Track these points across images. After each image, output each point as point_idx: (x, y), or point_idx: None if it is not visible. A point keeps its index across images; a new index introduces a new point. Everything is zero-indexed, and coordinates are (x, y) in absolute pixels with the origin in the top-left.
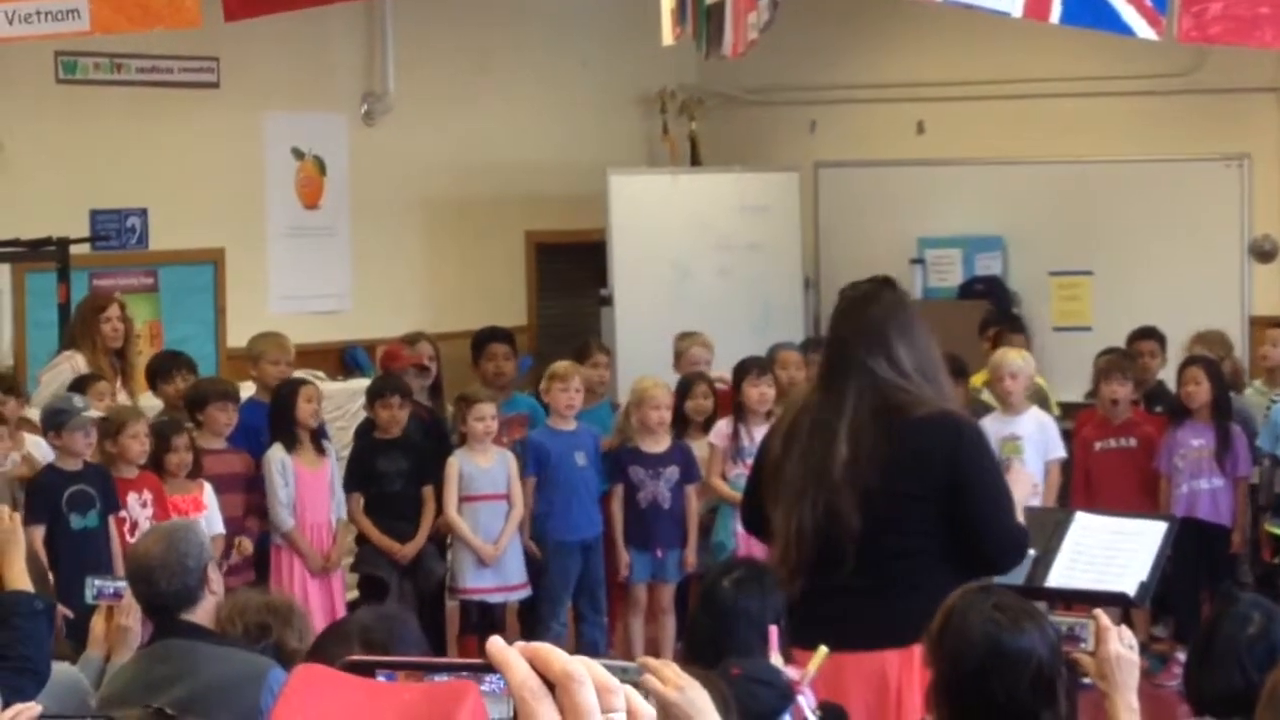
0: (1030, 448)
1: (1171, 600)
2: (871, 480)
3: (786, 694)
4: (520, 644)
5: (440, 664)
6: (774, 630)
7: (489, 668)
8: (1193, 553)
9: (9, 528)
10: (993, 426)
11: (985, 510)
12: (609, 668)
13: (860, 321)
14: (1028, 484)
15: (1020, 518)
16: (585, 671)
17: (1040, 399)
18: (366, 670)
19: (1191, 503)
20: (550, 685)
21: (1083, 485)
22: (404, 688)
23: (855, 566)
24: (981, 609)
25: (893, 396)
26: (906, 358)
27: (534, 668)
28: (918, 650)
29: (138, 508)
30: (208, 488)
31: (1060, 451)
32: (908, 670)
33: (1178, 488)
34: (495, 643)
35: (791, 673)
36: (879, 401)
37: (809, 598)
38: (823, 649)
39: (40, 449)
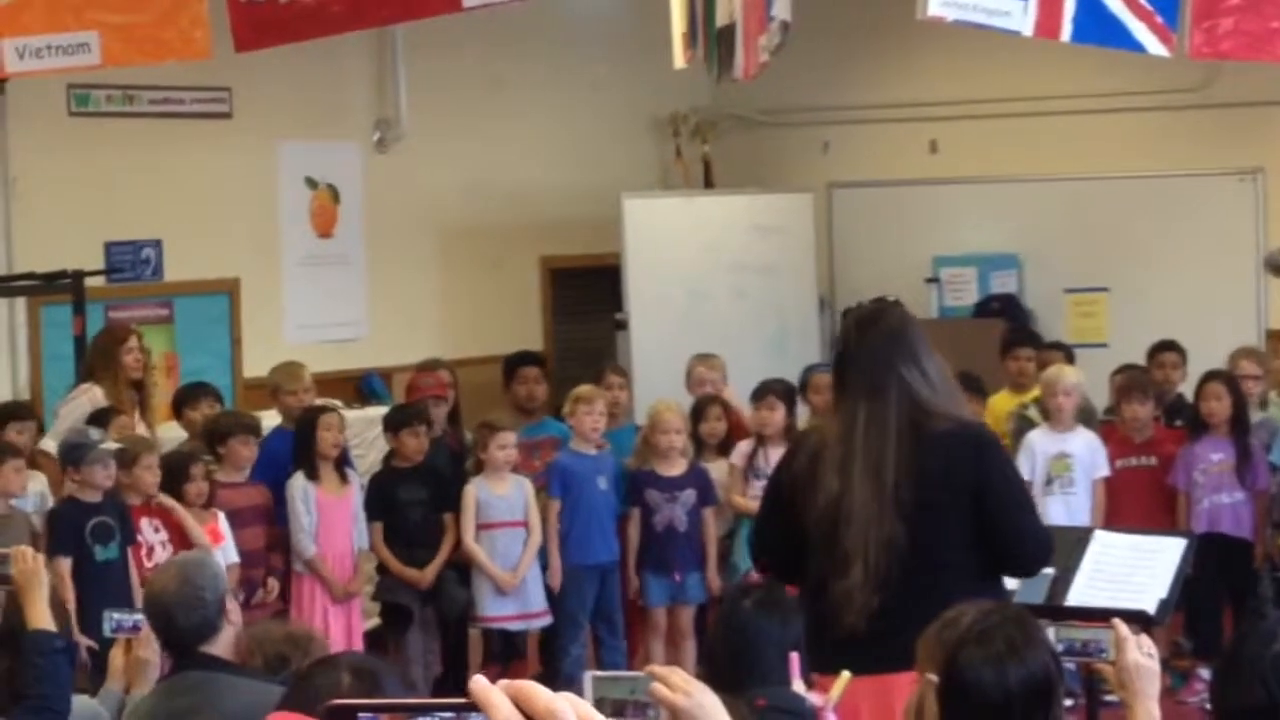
0: (1079, 467)
1: (1195, 615)
2: (907, 494)
3: None
4: (504, 682)
5: (424, 705)
6: (795, 657)
7: (473, 707)
8: (1215, 567)
9: (31, 567)
10: (1043, 443)
11: (1012, 514)
12: (618, 680)
13: (889, 335)
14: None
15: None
16: (569, 708)
17: (1087, 415)
18: (349, 715)
19: (1214, 517)
20: None
21: (1104, 502)
22: None
23: (898, 584)
24: (982, 653)
25: (922, 408)
26: (931, 370)
27: (518, 706)
28: None
29: (151, 533)
30: (222, 518)
31: (1105, 470)
32: None
33: (1199, 503)
34: (478, 681)
35: (815, 699)
36: (915, 414)
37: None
38: (845, 674)
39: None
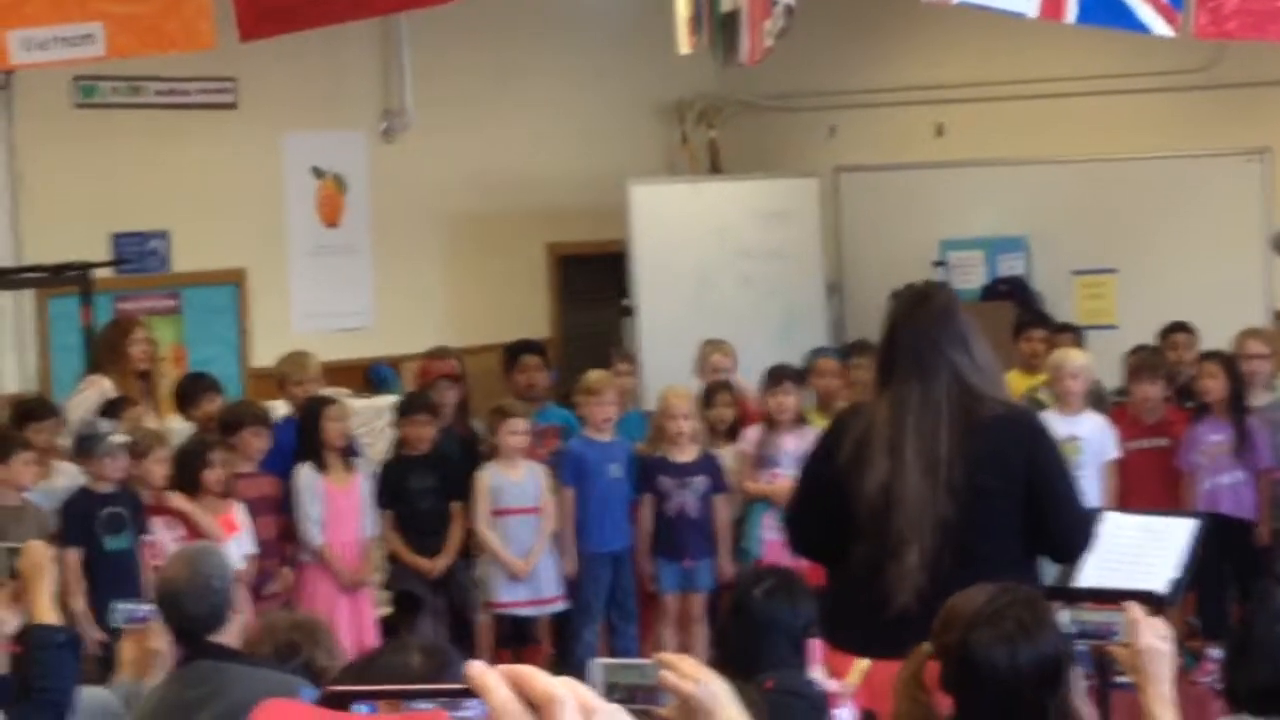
0: (1088, 450)
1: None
2: (959, 478)
3: (819, 705)
4: (502, 666)
5: (421, 691)
6: (816, 643)
7: (470, 692)
8: (1216, 548)
9: (36, 561)
10: (1052, 425)
11: (1063, 503)
12: (627, 667)
13: (938, 316)
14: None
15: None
16: (568, 693)
17: (1097, 397)
18: (342, 702)
19: (1214, 498)
20: (534, 707)
21: (1115, 485)
22: None
23: (947, 567)
24: (993, 633)
25: (971, 391)
26: (978, 353)
27: (516, 690)
28: None
29: (165, 530)
30: (240, 508)
31: (1115, 452)
32: None
33: (1200, 483)
34: (475, 666)
35: (833, 685)
36: (964, 398)
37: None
38: (863, 661)
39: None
